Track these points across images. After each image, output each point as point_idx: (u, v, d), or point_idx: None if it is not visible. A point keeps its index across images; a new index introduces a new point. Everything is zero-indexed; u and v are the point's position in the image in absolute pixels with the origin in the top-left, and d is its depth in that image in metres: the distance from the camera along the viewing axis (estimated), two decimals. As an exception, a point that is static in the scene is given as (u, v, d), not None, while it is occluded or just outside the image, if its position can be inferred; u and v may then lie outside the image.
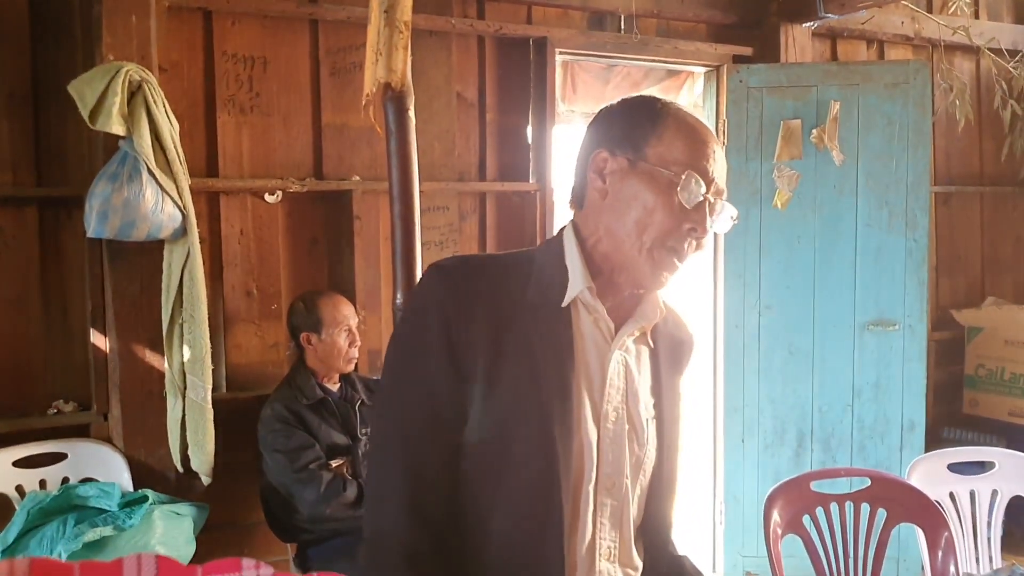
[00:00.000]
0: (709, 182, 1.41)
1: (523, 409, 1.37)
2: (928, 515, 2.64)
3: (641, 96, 1.52)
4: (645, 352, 1.54)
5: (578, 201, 1.50)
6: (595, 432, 1.43)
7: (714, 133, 1.51)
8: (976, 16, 5.02)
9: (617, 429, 1.46)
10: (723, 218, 1.45)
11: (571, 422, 1.39)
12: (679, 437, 1.60)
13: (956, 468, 2.98)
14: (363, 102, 2.54)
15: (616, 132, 1.46)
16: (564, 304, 1.43)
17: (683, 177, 1.38)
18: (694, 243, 1.42)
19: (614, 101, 1.53)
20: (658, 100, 1.50)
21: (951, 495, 2.94)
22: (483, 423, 1.38)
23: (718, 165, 1.44)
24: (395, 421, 1.43)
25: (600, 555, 1.45)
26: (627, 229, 1.41)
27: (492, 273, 1.46)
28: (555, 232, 1.54)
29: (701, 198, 1.40)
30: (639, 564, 1.52)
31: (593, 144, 1.48)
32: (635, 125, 1.44)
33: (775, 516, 2.59)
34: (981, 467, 3.00)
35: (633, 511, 1.50)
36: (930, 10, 4.83)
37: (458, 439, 1.39)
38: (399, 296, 2.72)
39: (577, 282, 1.43)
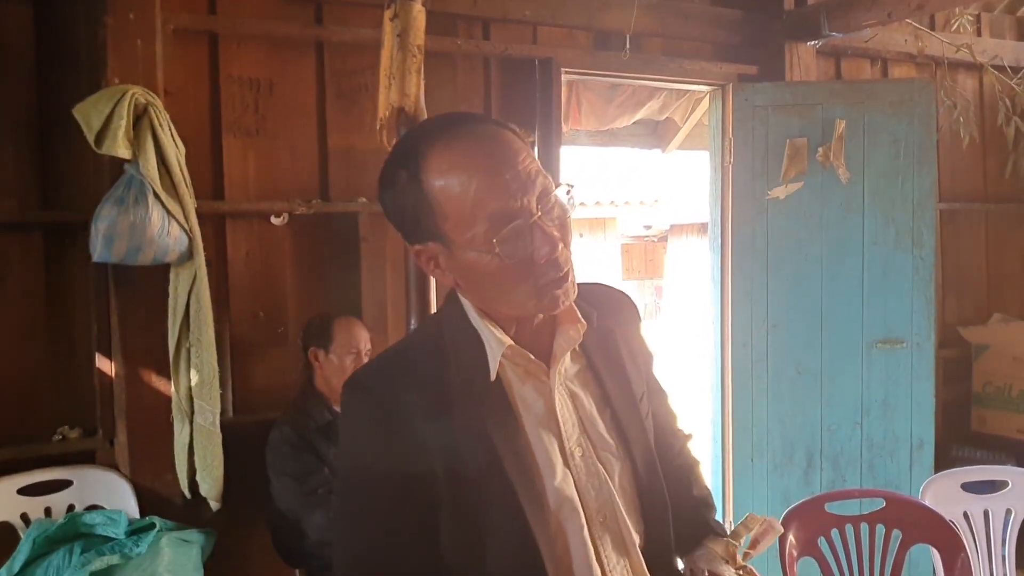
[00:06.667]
0: (518, 207, 1.26)
1: (488, 499, 1.30)
2: (944, 536, 2.62)
3: (384, 166, 1.35)
4: (581, 364, 1.46)
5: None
6: (569, 477, 1.37)
7: (495, 128, 1.31)
8: (979, 34, 5.04)
9: (588, 462, 1.40)
10: (562, 205, 1.31)
11: (539, 487, 1.33)
12: (646, 423, 1.51)
13: (969, 487, 2.96)
14: (377, 126, 2.53)
15: (408, 224, 1.34)
16: (492, 375, 1.34)
17: (495, 242, 1.25)
18: (560, 251, 1.29)
19: (380, 177, 1.37)
20: (401, 164, 1.31)
21: (965, 515, 2.92)
22: (455, 530, 1.31)
23: (513, 166, 1.27)
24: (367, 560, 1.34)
25: None
26: (496, 298, 1.33)
27: (412, 370, 1.36)
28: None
29: (527, 230, 1.26)
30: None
31: (401, 234, 1.37)
32: (413, 211, 1.31)
33: (791, 538, 2.57)
34: (993, 486, 2.99)
35: (637, 525, 1.44)
36: (933, 28, 4.84)
37: (435, 554, 1.32)
38: (413, 320, 2.70)
39: (494, 345, 1.35)
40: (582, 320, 1.41)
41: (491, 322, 1.36)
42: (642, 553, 1.44)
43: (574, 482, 1.38)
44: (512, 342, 1.36)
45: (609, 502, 1.41)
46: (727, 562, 1.53)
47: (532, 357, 1.38)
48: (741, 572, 1.54)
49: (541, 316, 1.39)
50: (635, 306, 1.61)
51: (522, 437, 1.35)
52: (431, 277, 1.39)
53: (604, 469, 1.41)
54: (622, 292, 1.62)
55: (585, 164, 10.26)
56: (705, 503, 1.69)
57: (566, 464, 1.38)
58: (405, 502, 1.31)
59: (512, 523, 1.30)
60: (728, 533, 1.61)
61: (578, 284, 1.42)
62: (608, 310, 1.52)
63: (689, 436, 1.74)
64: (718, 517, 4.65)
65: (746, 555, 1.57)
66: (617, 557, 1.41)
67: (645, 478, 1.46)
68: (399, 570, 1.31)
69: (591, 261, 11.56)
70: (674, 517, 1.51)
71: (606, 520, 1.40)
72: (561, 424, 1.39)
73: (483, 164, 1.26)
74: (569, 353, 1.44)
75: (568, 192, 1.32)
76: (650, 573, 1.44)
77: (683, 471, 1.68)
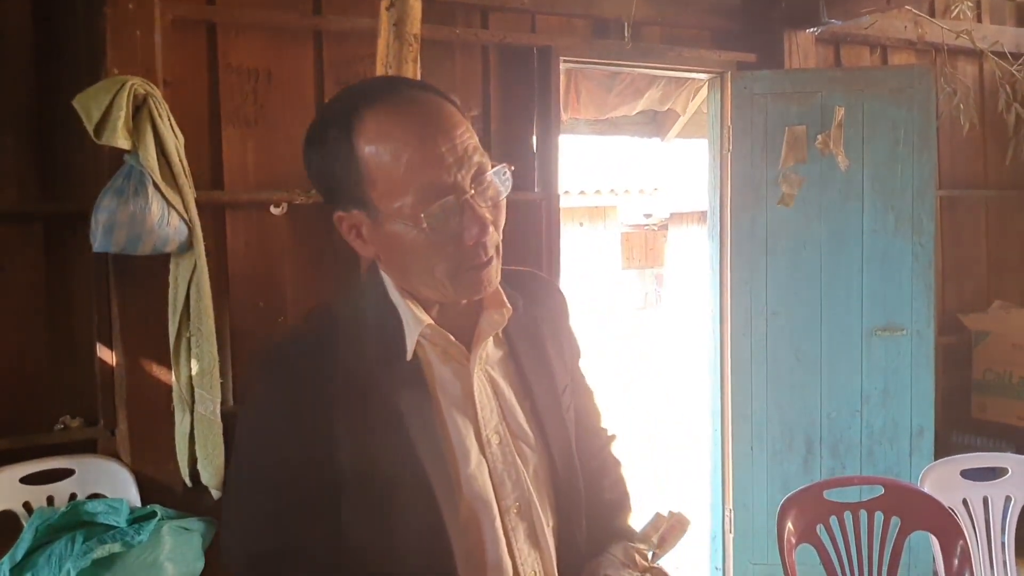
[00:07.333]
0: (451, 181, 1.20)
1: (398, 480, 1.26)
2: (943, 523, 2.62)
3: (314, 123, 1.29)
4: (503, 351, 1.42)
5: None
6: (484, 465, 1.33)
7: (433, 96, 1.27)
8: (979, 20, 5.03)
9: (504, 450, 1.36)
10: (496, 186, 1.26)
11: (451, 471, 1.29)
12: (566, 417, 1.46)
13: (969, 474, 2.96)
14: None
15: (333, 188, 1.28)
16: (408, 355, 1.29)
17: (422, 216, 1.19)
18: (490, 234, 1.25)
19: (308, 133, 1.30)
20: (334, 122, 1.25)
21: (964, 502, 2.92)
22: (361, 510, 1.27)
23: (451, 139, 1.22)
24: (263, 526, 1.30)
25: None
26: (417, 275, 1.28)
27: (329, 344, 1.30)
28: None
29: (457, 207, 1.21)
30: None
31: (323, 198, 1.32)
32: (341, 174, 1.25)
33: (789, 525, 2.57)
34: (993, 473, 2.99)
35: (549, 519, 1.41)
36: (933, 14, 4.83)
37: (335, 527, 1.28)
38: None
39: (412, 324, 1.30)
40: (508, 305, 1.37)
41: (412, 300, 1.32)
42: (554, 548, 1.41)
43: (488, 470, 1.34)
44: (431, 321, 1.32)
45: (525, 493, 1.37)
46: (627, 566, 1.47)
47: (452, 339, 1.33)
48: (648, 575, 1.48)
49: (464, 301, 1.34)
50: (565, 298, 1.57)
51: (437, 419, 1.30)
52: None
53: (520, 459, 1.38)
54: (552, 282, 1.58)
55: (585, 153, 10.26)
56: (617, 506, 1.62)
57: (481, 451, 1.34)
58: (305, 479, 1.27)
59: (422, 508, 1.26)
60: (638, 535, 1.55)
61: (507, 270, 1.39)
62: (536, 299, 1.49)
63: (612, 437, 1.69)
64: (717, 508, 4.64)
65: (655, 555, 1.52)
66: (529, 549, 1.37)
67: (561, 473, 1.43)
68: (292, 538, 1.28)
69: (591, 250, 11.56)
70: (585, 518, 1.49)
71: (520, 511, 1.37)
72: (479, 409, 1.35)
73: (419, 133, 1.21)
74: (492, 339, 1.40)
75: (505, 174, 1.26)
76: (560, 568, 1.42)
77: (598, 473, 1.62)
